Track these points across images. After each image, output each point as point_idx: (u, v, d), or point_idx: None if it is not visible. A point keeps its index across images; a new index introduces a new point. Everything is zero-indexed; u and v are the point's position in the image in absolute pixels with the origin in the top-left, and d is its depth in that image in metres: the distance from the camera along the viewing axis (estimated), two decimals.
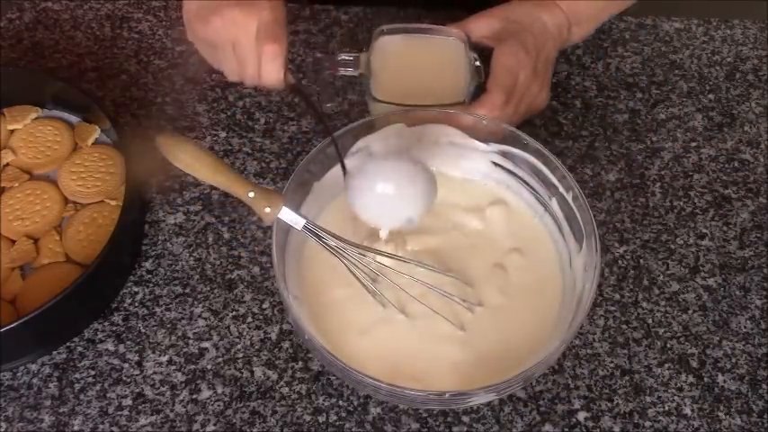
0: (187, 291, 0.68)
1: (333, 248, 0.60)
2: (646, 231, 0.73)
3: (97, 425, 0.62)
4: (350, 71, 0.74)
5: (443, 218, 0.68)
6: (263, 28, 0.61)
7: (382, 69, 0.74)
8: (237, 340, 0.66)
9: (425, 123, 0.68)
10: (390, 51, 0.75)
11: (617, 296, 0.69)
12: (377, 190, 0.60)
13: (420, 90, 0.72)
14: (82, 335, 0.66)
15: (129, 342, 0.66)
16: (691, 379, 0.65)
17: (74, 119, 0.77)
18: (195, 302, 0.68)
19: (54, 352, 0.65)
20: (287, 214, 0.58)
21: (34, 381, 0.64)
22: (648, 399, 0.64)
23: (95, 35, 0.86)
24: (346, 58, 0.73)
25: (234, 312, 0.67)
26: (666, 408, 0.64)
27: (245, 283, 0.69)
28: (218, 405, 0.63)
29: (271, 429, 0.62)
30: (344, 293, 0.63)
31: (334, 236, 0.59)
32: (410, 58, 0.75)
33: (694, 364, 0.66)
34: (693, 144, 0.80)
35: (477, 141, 0.68)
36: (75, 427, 0.62)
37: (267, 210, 0.58)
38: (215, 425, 0.62)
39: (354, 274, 0.60)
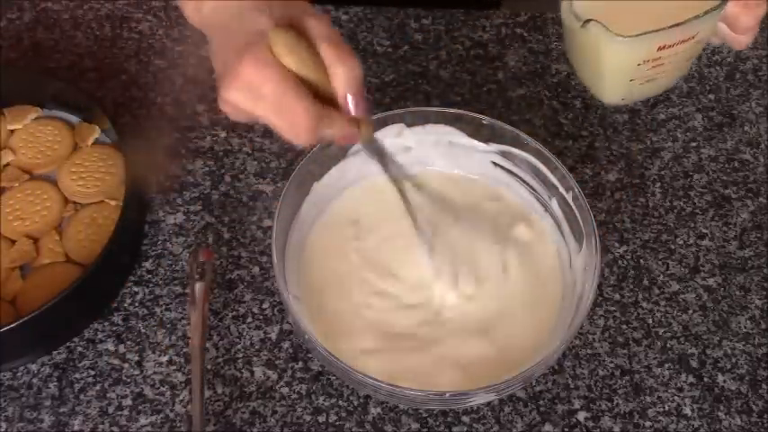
0: (187, 291, 0.68)
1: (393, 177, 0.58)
2: (646, 231, 0.73)
3: (97, 425, 0.62)
4: None
5: (443, 218, 0.68)
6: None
7: None
8: (237, 340, 0.66)
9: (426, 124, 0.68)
10: None
11: (617, 296, 0.69)
12: None
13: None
14: (82, 335, 0.66)
15: (129, 342, 0.66)
16: (691, 379, 0.65)
17: (74, 119, 0.77)
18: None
19: (54, 352, 0.65)
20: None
21: (34, 381, 0.64)
22: (648, 399, 0.64)
23: (95, 35, 0.86)
24: None
25: (234, 312, 0.67)
26: (666, 408, 0.64)
27: (245, 283, 0.69)
28: (218, 405, 0.63)
29: (271, 429, 0.62)
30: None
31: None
32: None
33: (694, 364, 0.66)
34: (693, 144, 0.80)
35: (477, 141, 0.68)
36: (75, 427, 0.62)
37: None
38: (215, 425, 0.62)
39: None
